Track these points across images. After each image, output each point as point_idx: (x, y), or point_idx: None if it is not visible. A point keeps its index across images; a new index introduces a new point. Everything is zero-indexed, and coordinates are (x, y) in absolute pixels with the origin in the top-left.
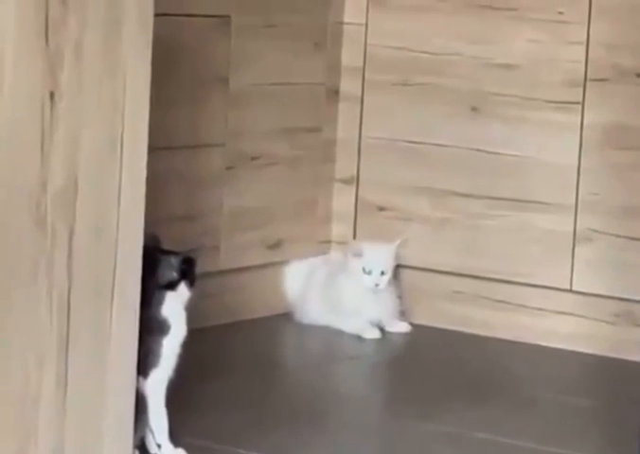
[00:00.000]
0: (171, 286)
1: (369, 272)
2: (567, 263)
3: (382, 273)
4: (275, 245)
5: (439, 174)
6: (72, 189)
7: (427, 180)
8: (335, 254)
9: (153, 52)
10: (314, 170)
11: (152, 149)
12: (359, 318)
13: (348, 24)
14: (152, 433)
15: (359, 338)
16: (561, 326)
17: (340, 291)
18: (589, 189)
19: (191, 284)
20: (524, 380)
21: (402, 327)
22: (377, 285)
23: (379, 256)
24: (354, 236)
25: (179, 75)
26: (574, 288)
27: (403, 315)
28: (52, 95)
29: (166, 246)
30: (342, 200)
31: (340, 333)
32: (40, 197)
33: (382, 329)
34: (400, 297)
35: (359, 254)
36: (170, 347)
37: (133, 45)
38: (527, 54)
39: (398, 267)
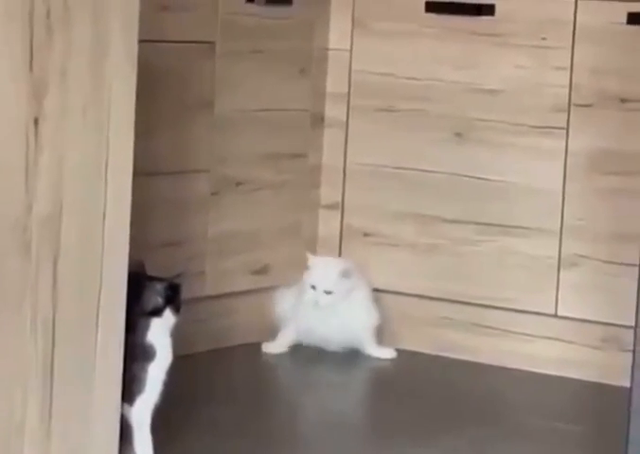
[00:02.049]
0: (157, 312)
1: (314, 288)
2: (553, 288)
3: (327, 292)
4: (261, 270)
5: (425, 200)
6: (57, 214)
7: (412, 205)
8: None
9: (139, 78)
10: (299, 196)
11: (137, 175)
12: (317, 338)
13: (333, 49)
14: None
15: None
16: (547, 352)
17: (298, 310)
18: (574, 214)
19: (177, 310)
20: (512, 406)
21: (387, 353)
22: (317, 302)
23: (325, 273)
24: None
25: (164, 100)
26: (559, 313)
27: (382, 342)
28: (36, 120)
29: (151, 272)
30: (327, 226)
31: (327, 358)
32: (25, 222)
33: (362, 353)
34: (379, 322)
35: (309, 268)
36: (156, 374)
37: (118, 71)
38: (512, 79)
39: (383, 292)
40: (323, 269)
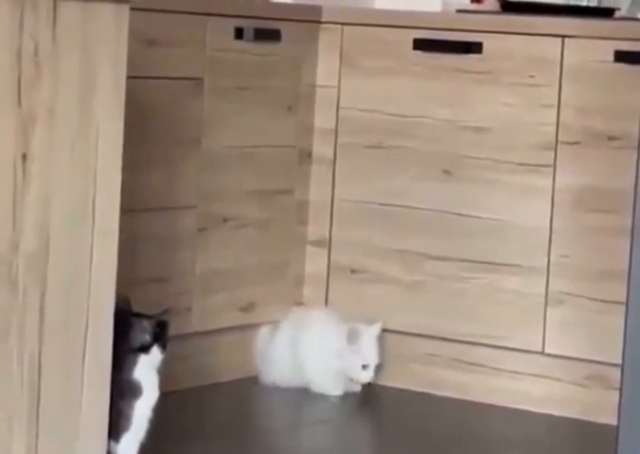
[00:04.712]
0: (144, 349)
1: (366, 367)
2: (539, 325)
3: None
4: (247, 307)
5: (412, 237)
6: (44, 251)
7: (399, 242)
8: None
9: (126, 114)
10: (287, 232)
11: (125, 211)
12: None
13: (321, 86)
14: None
15: (325, 396)
16: (534, 389)
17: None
18: (560, 252)
19: (164, 347)
20: (497, 443)
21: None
22: (370, 383)
23: (374, 348)
24: (326, 299)
25: (152, 137)
26: (546, 350)
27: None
28: (24, 156)
29: (138, 308)
30: (314, 263)
31: (311, 396)
32: (12, 258)
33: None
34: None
35: (355, 339)
36: (142, 411)
37: (106, 107)
38: (499, 117)
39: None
40: (372, 344)
